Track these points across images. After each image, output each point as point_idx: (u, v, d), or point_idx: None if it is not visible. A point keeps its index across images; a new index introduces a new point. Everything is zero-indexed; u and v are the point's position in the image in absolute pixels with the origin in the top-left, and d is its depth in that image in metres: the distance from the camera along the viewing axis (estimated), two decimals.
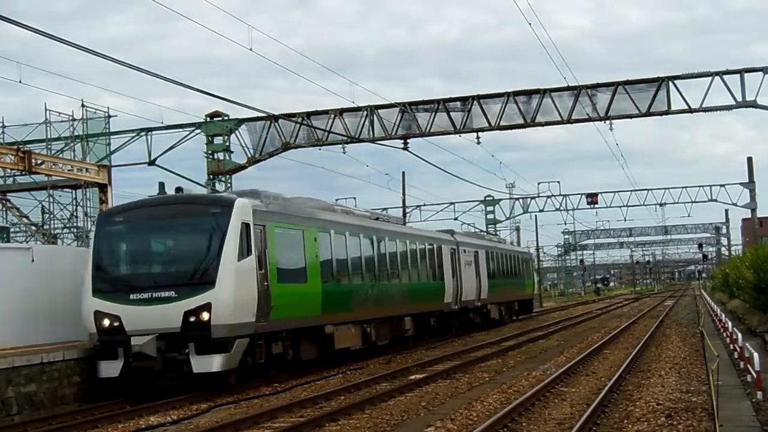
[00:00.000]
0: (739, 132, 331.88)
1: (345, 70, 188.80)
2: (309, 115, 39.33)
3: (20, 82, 31.80)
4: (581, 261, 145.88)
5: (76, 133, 38.59)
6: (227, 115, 39.34)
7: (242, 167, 40.21)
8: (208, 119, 39.96)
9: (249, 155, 39.94)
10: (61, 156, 34.87)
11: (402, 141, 38.57)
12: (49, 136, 38.23)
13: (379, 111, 38.69)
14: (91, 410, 18.29)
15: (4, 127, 39.07)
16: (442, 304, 35.73)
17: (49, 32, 16.05)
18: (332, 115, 38.85)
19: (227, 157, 39.96)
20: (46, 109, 38.46)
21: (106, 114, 38.88)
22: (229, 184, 39.51)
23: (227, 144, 39.95)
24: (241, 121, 39.72)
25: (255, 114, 36.63)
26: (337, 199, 58.22)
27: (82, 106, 38.28)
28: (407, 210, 57.56)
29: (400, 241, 31.48)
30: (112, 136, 39.65)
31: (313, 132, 39.42)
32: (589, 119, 37.59)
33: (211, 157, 39.76)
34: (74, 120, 38.67)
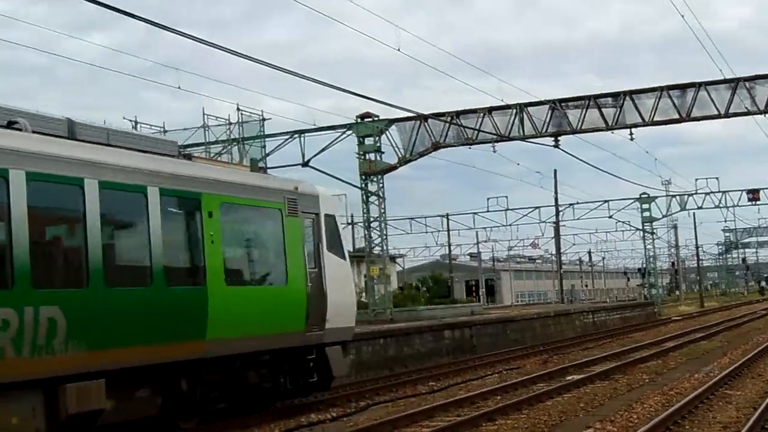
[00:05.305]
0: None
1: (496, 68, 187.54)
2: (458, 114, 39.23)
3: (179, 88, 33.25)
4: (743, 259, 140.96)
5: (232, 136, 39.90)
6: (377, 116, 39.71)
7: (393, 167, 40.48)
8: (359, 120, 40.44)
9: (399, 155, 40.15)
10: (219, 159, 36.03)
11: (553, 139, 38.04)
12: (207, 140, 39.67)
13: (529, 109, 38.21)
14: None
15: (165, 131, 40.70)
16: None
17: (209, 40, 16.52)
18: (481, 114, 38.64)
19: (378, 158, 40.30)
20: (204, 114, 40.03)
21: (261, 117, 40.08)
22: (381, 184, 40.00)
23: (378, 144, 40.28)
24: (391, 122, 39.98)
25: (405, 114, 36.87)
26: (488, 198, 57.74)
27: (238, 110, 39.58)
28: (560, 208, 56.77)
29: None
30: (266, 139, 40.76)
31: (463, 131, 39.32)
32: (748, 113, 36.16)
33: (362, 157, 40.19)
34: (230, 123, 40.03)
